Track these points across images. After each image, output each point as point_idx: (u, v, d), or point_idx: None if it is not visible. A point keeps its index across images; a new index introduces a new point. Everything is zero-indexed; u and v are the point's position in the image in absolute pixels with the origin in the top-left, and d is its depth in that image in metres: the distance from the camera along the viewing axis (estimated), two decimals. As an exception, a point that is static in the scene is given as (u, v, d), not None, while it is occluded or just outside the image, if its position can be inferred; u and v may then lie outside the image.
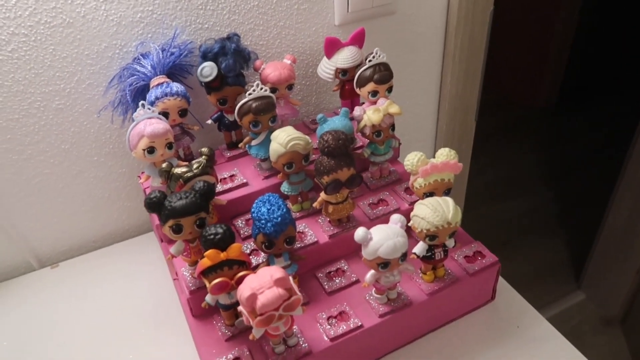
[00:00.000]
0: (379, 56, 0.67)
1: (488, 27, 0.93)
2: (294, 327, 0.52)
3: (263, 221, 0.51)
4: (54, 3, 0.60)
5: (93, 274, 0.73)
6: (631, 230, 1.46)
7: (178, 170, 0.55)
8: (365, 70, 0.67)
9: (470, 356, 0.59)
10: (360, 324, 0.54)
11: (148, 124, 0.57)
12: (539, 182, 2.17)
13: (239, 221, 0.65)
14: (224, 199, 0.63)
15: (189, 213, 0.50)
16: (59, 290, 0.71)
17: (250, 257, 0.59)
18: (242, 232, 0.64)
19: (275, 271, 0.44)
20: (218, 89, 0.66)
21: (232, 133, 0.72)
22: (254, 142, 0.66)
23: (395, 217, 0.51)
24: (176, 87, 0.62)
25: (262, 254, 0.59)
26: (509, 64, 2.49)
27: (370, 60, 0.67)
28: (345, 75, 0.71)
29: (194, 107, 0.68)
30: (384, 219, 0.61)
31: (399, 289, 0.57)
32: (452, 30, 0.89)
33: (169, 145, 0.59)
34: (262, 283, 0.44)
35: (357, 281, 0.60)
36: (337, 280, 0.60)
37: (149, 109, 0.59)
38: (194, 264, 0.56)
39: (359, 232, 0.49)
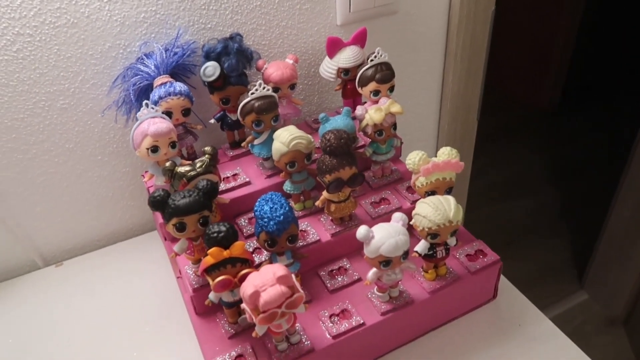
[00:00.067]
0: (381, 56, 0.67)
1: (490, 26, 0.93)
2: (297, 324, 0.52)
3: (266, 219, 0.51)
4: (58, 3, 0.60)
5: (97, 273, 0.73)
6: (634, 230, 1.46)
7: (181, 169, 0.55)
8: (367, 69, 0.67)
9: (471, 354, 0.59)
10: (362, 321, 0.54)
11: (152, 123, 0.58)
12: (542, 182, 2.16)
13: (242, 220, 0.65)
14: (226, 197, 0.63)
15: (192, 211, 0.51)
16: (64, 288, 0.71)
17: (253, 255, 0.59)
18: (244, 230, 0.64)
19: (278, 269, 0.45)
20: (221, 88, 0.67)
21: (234, 132, 0.73)
22: (256, 142, 0.66)
23: (397, 216, 0.52)
24: (179, 86, 0.63)
25: (265, 253, 0.59)
26: (511, 64, 2.49)
27: (372, 60, 0.67)
28: (347, 75, 0.72)
29: (197, 106, 0.68)
30: (386, 217, 0.62)
31: (401, 287, 0.57)
32: (453, 30, 0.89)
33: (173, 144, 0.60)
34: (265, 280, 0.44)
35: (359, 279, 0.60)
36: (339, 279, 0.60)
37: (153, 108, 0.60)
38: (197, 262, 0.56)
39: (361, 231, 0.50)
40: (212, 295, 0.52)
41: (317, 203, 0.61)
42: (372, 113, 0.63)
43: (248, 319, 0.46)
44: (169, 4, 0.66)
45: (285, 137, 0.58)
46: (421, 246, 0.55)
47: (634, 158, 1.40)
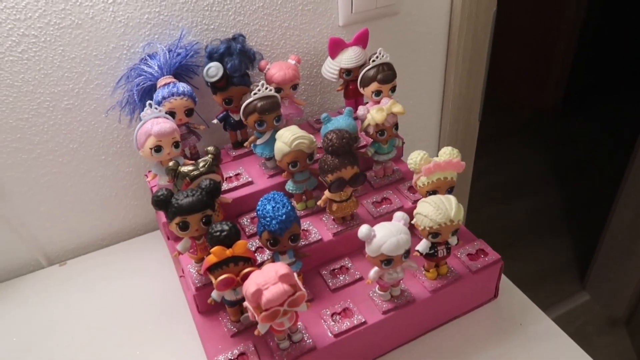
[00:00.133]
0: (383, 56, 0.67)
1: (491, 27, 0.93)
2: (299, 323, 0.53)
3: (268, 219, 0.52)
4: (63, 5, 0.61)
5: (100, 272, 0.74)
6: (636, 230, 1.45)
7: (184, 169, 0.56)
8: (368, 70, 0.67)
9: (472, 353, 0.59)
10: (363, 320, 0.54)
11: (155, 123, 0.58)
12: (543, 183, 2.16)
13: (244, 219, 0.66)
14: (229, 197, 0.64)
15: (195, 210, 0.51)
16: (67, 287, 0.72)
17: (256, 254, 0.60)
18: (247, 230, 0.64)
19: (280, 267, 0.45)
20: (224, 88, 0.67)
21: (237, 132, 0.73)
22: (259, 141, 0.66)
23: (399, 215, 0.52)
24: (182, 87, 0.63)
25: (267, 252, 0.59)
26: (513, 65, 2.49)
27: (373, 60, 0.67)
28: (349, 75, 0.72)
29: (200, 106, 0.69)
30: (388, 217, 0.62)
31: (402, 286, 0.57)
32: (455, 31, 0.89)
33: (176, 144, 0.60)
34: (267, 279, 0.44)
35: (360, 278, 0.60)
36: (341, 278, 0.60)
37: (156, 108, 0.60)
38: (200, 260, 0.57)
39: (363, 230, 0.50)
40: (214, 294, 0.53)
41: (319, 202, 0.62)
42: (373, 113, 0.63)
43: (250, 317, 0.46)
44: (172, 5, 0.67)
45: (288, 137, 0.59)
46: (422, 245, 0.56)
47: (635, 159, 1.40)
